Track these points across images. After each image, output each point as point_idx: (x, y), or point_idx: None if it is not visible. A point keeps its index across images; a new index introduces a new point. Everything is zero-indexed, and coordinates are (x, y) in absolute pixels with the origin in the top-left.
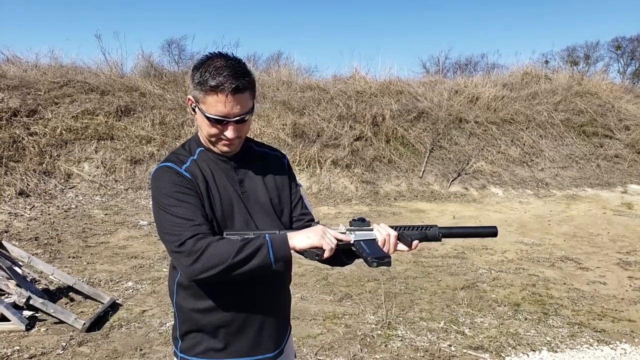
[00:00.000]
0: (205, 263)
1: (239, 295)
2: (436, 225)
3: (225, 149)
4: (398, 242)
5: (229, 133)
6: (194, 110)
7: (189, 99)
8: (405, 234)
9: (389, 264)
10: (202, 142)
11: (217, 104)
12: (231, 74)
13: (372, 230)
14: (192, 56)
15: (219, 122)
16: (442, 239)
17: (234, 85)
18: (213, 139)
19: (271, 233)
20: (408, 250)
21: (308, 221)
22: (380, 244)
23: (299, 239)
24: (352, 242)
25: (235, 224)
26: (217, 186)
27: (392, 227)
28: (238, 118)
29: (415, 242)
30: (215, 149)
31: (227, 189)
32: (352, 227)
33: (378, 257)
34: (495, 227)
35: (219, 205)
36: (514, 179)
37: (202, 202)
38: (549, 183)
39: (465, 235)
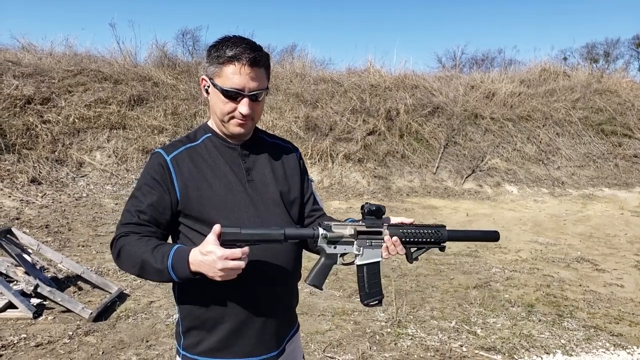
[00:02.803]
0: (121, 264)
1: (242, 289)
2: (444, 227)
3: (238, 129)
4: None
5: (243, 108)
6: (207, 91)
7: (203, 79)
8: (412, 252)
9: (380, 304)
10: (213, 127)
11: (234, 76)
12: (249, 47)
13: (382, 241)
14: (206, 47)
15: (234, 97)
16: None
17: (251, 56)
18: (226, 118)
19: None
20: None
21: (319, 217)
22: (384, 256)
23: (194, 265)
24: (356, 264)
25: (236, 212)
26: (213, 172)
27: (402, 228)
28: (253, 93)
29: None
30: (226, 131)
31: (226, 174)
32: (362, 238)
33: (372, 299)
34: (497, 232)
35: (208, 191)
36: (529, 177)
37: (169, 195)
38: (565, 182)
39: (468, 239)
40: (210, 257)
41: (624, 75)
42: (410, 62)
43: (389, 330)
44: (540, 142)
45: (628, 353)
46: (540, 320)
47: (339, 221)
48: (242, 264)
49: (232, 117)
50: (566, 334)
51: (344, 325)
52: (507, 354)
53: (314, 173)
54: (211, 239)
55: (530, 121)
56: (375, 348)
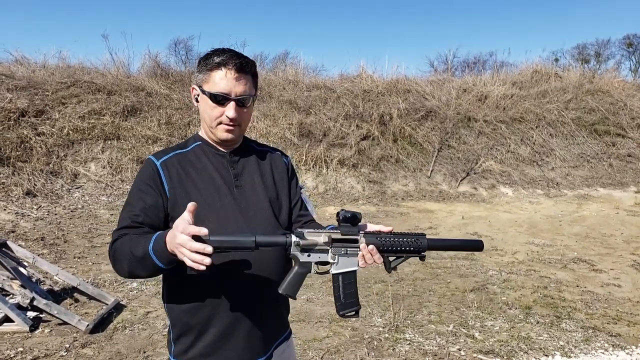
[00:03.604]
0: (117, 266)
1: (229, 294)
2: (424, 235)
3: (225, 134)
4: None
5: (230, 112)
6: (197, 100)
7: (193, 88)
8: (390, 261)
9: (356, 316)
10: (203, 136)
11: (221, 81)
12: (236, 54)
13: (358, 250)
14: (199, 56)
15: (221, 102)
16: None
17: (238, 62)
18: (214, 123)
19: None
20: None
21: (306, 222)
22: (360, 265)
23: (168, 243)
24: (331, 273)
25: (222, 216)
26: (201, 177)
27: (379, 237)
28: (239, 98)
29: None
30: (215, 137)
31: (214, 179)
32: (337, 246)
33: (348, 310)
34: (481, 241)
35: (196, 195)
36: (523, 178)
37: (161, 197)
38: (559, 183)
39: (449, 249)
40: (174, 230)
41: (616, 75)
42: (402, 66)
43: (386, 335)
44: (534, 143)
45: (627, 353)
46: (538, 322)
47: (314, 228)
48: (199, 246)
49: (220, 123)
50: (564, 336)
51: (342, 332)
52: (505, 357)
53: (308, 179)
54: (185, 215)
55: (523, 123)
56: (373, 354)
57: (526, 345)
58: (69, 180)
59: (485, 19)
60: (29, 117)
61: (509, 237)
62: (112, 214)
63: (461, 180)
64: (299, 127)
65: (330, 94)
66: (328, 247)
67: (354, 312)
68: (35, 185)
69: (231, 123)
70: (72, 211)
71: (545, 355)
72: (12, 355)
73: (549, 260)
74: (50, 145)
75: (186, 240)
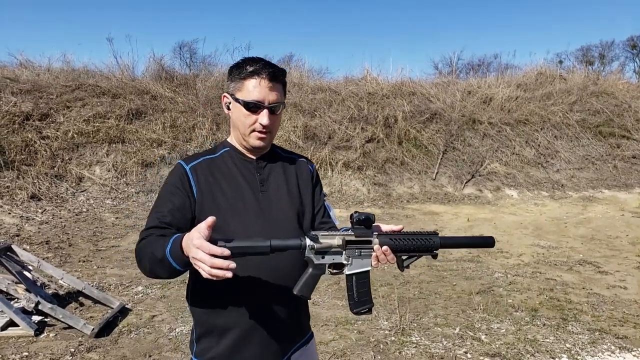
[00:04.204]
0: (141, 267)
1: (249, 298)
2: (437, 234)
3: (258, 142)
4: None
5: (263, 119)
6: (228, 107)
7: (224, 97)
8: (403, 260)
9: (369, 312)
10: (232, 142)
11: (254, 89)
12: (268, 63)
13: (371, 251)
14: (204, 59)
15: (255, 109)
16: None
17: (271, 70)
18: (248, 131)
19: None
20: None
21: (327, 230)
22: (373, 265)
23: (184, 247)
24: (345, 273)
25: (247, 221)
26: (228, 182)
27: (393, 237)
28: (272, 105)
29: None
30: (247, 145)
31: (240, 184)
32: (351, 248)
33: (362, 307)
34: (492, 238)
35: (221, 199)
36: (528, 180)
37: (189, 200)
38: (564, 184)
39: (461, 246)
40: (190, 241)
41: (620, 77)
42: (406, 69)
43: (393, 338)
44: (539, 145)
45: (634, 356)
46: (544, 325)
47: (327, 231)
48: (221, 262)
49: (253, 130)
50: (571, 338)
51: (348, 335)
52: None
53: None
54: (202, 227)
55: (528, 125)
56: (379, 357)
57: (533, 347)
58: (74, 184)
59: (490, 21)
60: (34, 121)
61: (515, 239)
62: (117, 217)
63: (466, 183)
64: (304, 130)
65: (335, 97)
66: (342, 250)
67: (367, 310)
68: (40, 188)
69: (264, 130)
70: (76, 215)
71: (552, 358)
72: None
73: (554, 262)
74: (55, 148)
75: (205, 257)
